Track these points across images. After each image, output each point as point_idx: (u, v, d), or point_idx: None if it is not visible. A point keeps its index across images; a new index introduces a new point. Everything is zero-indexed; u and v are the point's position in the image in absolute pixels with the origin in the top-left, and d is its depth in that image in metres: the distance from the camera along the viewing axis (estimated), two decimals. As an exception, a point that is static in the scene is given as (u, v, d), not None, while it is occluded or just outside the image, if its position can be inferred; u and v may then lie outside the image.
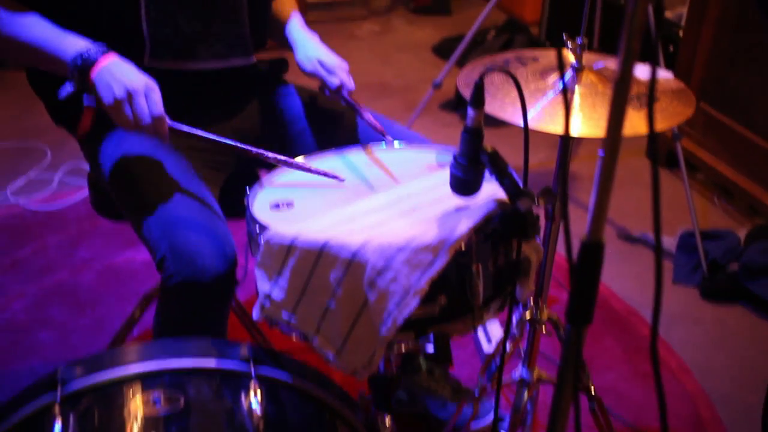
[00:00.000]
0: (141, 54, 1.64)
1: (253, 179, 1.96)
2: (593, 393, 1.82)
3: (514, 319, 1.80)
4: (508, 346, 1.96)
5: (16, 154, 3.36)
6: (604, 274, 2.40)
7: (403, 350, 1.33)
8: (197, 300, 1.53)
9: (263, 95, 1.95)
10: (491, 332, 2.42)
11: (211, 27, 1.73)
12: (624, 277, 2.77)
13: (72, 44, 1.53)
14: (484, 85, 1.23)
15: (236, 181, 1.86)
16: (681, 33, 3.36)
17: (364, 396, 1.57)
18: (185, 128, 1.55)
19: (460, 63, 3.42)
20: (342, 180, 1.55)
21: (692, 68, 3.19)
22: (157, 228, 1.57)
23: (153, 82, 1.51)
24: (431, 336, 1.36)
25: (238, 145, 1.59)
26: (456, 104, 3.90)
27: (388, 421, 1.53)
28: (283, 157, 1.58)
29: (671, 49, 3.45)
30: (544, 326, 1.78)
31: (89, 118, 1.53)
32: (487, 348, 2.36)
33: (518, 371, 1.84)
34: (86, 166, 3.16)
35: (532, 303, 1.77)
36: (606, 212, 0.89)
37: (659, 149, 3.44)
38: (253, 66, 1.86)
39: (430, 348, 1.36)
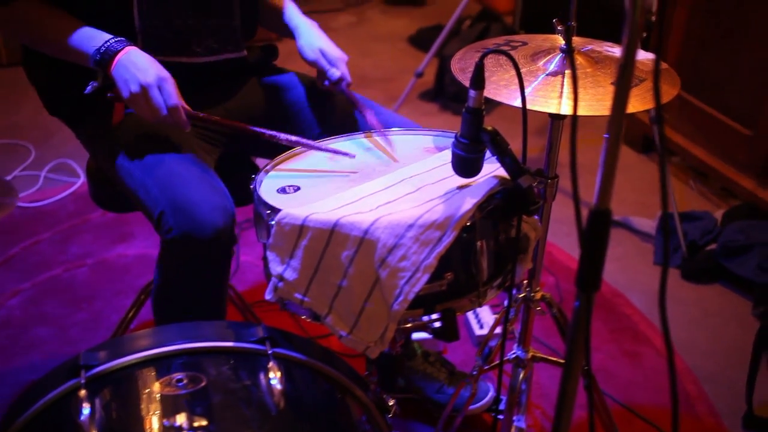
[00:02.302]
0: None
1: (246, 165, 2.01)
2: (586, 369, 1.88)
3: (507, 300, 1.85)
4: (501, 328, 2.02)
5: (-1, 152, 3.37)
6: None
7: (410, 326, 1.37)
8: (197, 254, 1.55)
9: (255, 81, 1.99)
10: (482, 317, 2.47)
11: (203, 21, 1.77)
12: (607, 260, 2.82)
13: (92, 39, 1.60)
14: (484, 66, 1.28)
15: (230, 170, 1.89)
16: (653, 18, 3.43)
17: (367, 377, 1.61)
18: (202, 115, 1.64)
19: (438, 53, 3.47)
20: (353, 156, 1.60)
21: (665, 53, 3.26)
22: (155, 186, 1.60)
23: (166, 72, 1.57)
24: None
25: (253, 129, 1.67)
26: (435, 94, 3.95)
27: (391, 401, 1.57)
28: (295, 138, 1.63)
29: (644, 35, 3.52)
30: (539, 306, 1.84)
31: (121, 109, 1.64)
32: (479, 332, 2.41)
33: (513, 351, 1.89)
34: (72, 163, 3.21)
35: (525, 283, 1.83)
36: (613, 182, 0.94)
37: (635, 134, 3.52)
38: (244, 58, 1.89)
39: (435, 324, 1.41)
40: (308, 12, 1.97)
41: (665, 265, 0.97)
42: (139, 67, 1.56)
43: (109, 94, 1.61)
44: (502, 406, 2.01)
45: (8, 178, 3.12)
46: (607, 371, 2.35)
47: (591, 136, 3.27)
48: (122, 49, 1.58)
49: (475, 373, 1.88)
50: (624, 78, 0.89)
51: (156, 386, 1.21)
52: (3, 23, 1.70)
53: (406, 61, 4.34)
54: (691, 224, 2.90)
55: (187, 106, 1.62)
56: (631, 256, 2.89)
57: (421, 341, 2.22)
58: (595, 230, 0.95)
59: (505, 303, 1.82)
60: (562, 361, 1.93)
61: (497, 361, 1.89)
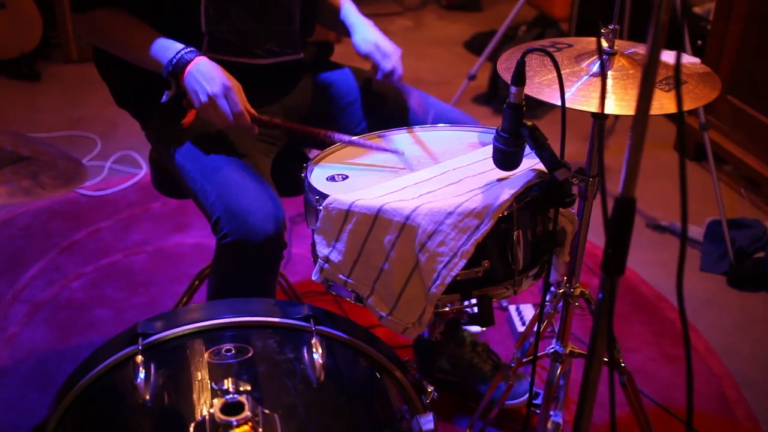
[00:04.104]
0: (198, 48, 1.77)
1: (300, 158, 2.10)
2: (623, 366, 1.92)
3: (548, 296, 1.90)
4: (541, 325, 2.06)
5: (68, 143, 3.50)
6: (633, 261, 2.54)
7: (448, 310, 1.44)
8: (249, 258, 1.66)
9: (310, 76, 2.08)
10: (525, 314, 2.52)
11: (265, 26, 1.87)
12: (653, 265, 2.85)
13: (166, 50, 1.72)
14: (525, 63, 1.34)
15: (284, 162, 1.99)
16: (709, 27, 3.44)
17: (408, 363, 1.68)
18: (265, 119, 1.76)
19: (492, 57, 3.51)
20: (401, 153, 1.67)
21: (720, 61, 3.27)
22: (213, 192, 1.71)
23: (231, 81, 1.69)
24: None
25: (310, 129, 1.79)
26: (488, 97, 4.00)
27: (430, 388, 1.64)
28: (347, 138, 1.73)
29: (699, 43, 3.53)
30: (577, 302, 1.88)
31: (193, 114, 1.75)
32: (522, 329, 2.46)
33: (552, 346, 1.94)
34: (135, 155, 3.35)
35: (565, 279, 1.87)
36: (637, 172, 0.99)
37: (687, 142, 3.53)
38: (301, 58, 1.99)
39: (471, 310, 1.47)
40: (366, 16, 2.04)
41: (683, 245, 1.02)
42: (206, 77, 1.68)
43: (184, 102, 1.74)
44: (539, 401, 2.06)
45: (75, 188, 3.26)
46: (646, 372, 2.38)
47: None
48: (192, 60, 1.70)
49: (512, 365, 1.93)
50: (649, 69, 0.94)
51: (206, 355, 1.29)
52: (81, 29, 1.84)
53: (462, 65, 4.39)
54: (740, 231, 2.90)
55: (252, 110, 1.73)
56: (677, 261, 2.90)
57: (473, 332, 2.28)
58: (621, 217, 1.00)
59: (547, 304, 1.88)
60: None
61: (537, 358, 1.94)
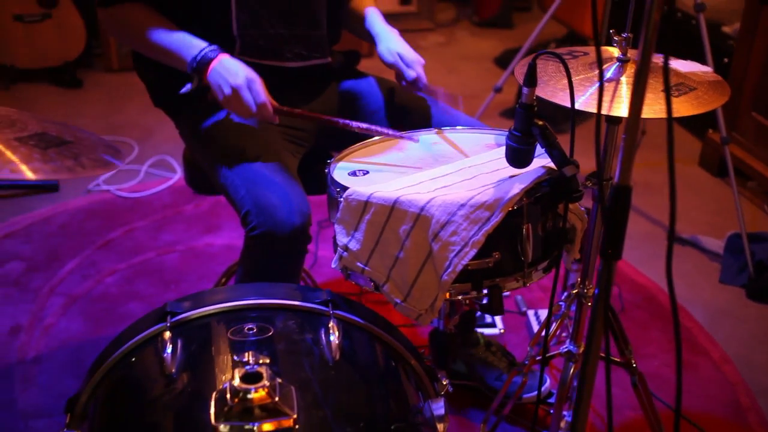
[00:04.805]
0: (231, 51, 1.87)
1: (327, 159, 2.19)
2: (634, 366, 1.97)
3: (563, 296, 1.96)
4: (555, 325, 2.12)
5: (106, 148, 3.64)
6: (653, 271, 2.61)
7: (461, 299, 1.51)
8: (276, 249, 1.76)
9: (337, 83, 2.17)
10: (543, 318, 2.58)
11: (294, 31, 1.97)
12: (672, 275, 2.89)
13: (190, 47, 1.81)
14: (536, 65, 1.42)
15: (312, 162, 2.08)
16: (734, 44, 3.49)
17: (423, 355, 1.75)
18: (286, 109, 1.83)
19: (519, 72, 3.59)
20: (416, 141, 1.77)
21: (745, 78, 3.32)
22: (242, 187, 1.81)
23: (254, 74, 1.77)
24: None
25: (328, 118, 1.88)
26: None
27: (445, 381, 1.70)
28: (365, 125, 1.82)
29: (725, 60, 3.58)
30: (590, 302, 1.94)
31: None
32: (539, 332, 2.52)
33: (565, 345, 1.99)
34: (170, 160, 3.47)
35: (579, 280, 1.93)
36: (632, 163, 1.06)
37: (711, 158, 3.57)
38: (328, 63, 2.08)
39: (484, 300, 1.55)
40: (399, 31, 2.10)
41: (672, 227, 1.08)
42: (230, 71, 1.77)
43: (208, 98, 1.82)
44: (553, 400, 2.11)
45: (113, 171, 3.38)
46: (662, 378, 2.42)
47: (664, 159, 3.34)
48: (215, 58, 1.79)
49: (527, 362, 1.99)
50: (643, 65, 1.01)
51: (229, 333, 1.38)
52: (106, 23, 1.92)
53: (491, 80, 4.45)
54: (760, 245, 2.94)
55: (274, 102, 1.81)
56: (697, 273, 2.95)
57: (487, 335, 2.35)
58: (617, 204, 1.07)
59: (562, 304, 1.94)
60: (613, 358, 2.02)
61: (551, 354, 2.00)
